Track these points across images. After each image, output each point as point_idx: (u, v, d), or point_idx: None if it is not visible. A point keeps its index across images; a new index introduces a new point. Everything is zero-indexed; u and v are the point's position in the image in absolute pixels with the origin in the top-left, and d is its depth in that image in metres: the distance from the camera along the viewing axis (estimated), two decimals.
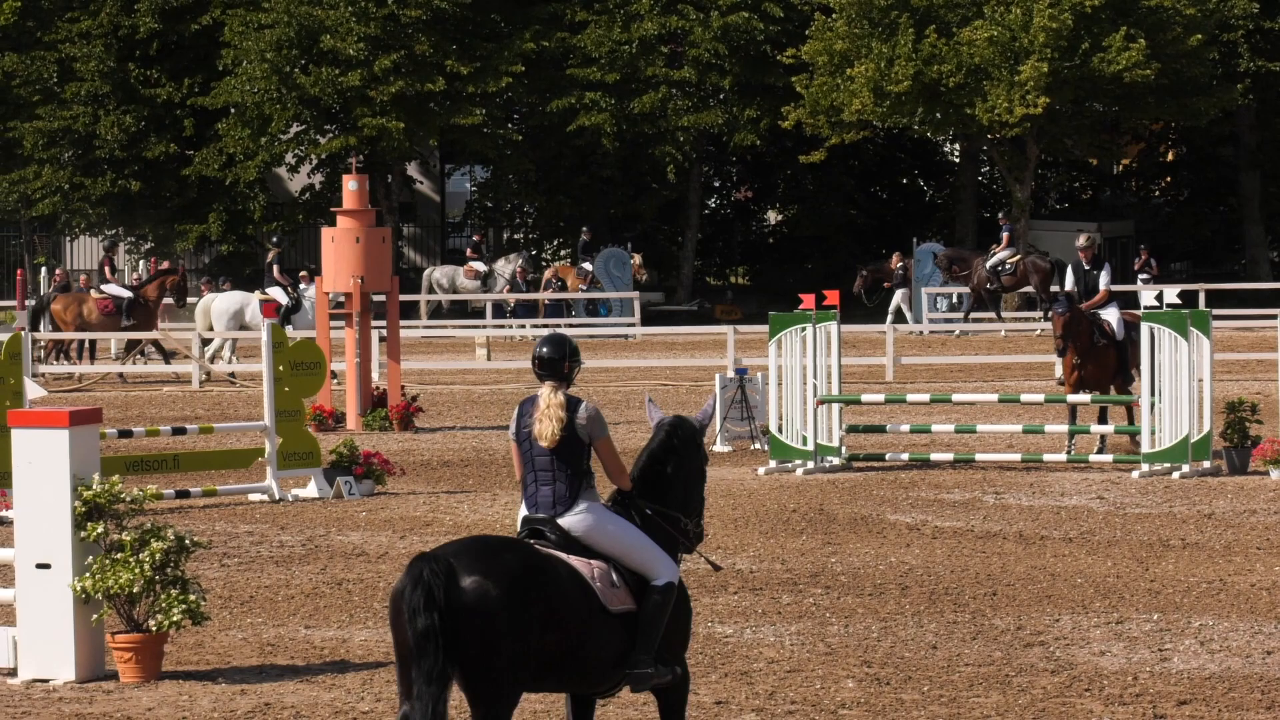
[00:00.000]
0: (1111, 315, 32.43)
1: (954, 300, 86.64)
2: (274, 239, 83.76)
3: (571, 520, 16.44)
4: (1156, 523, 32.70)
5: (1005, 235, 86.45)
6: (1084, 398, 38.99)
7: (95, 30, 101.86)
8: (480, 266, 71.20)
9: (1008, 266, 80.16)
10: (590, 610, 16.13)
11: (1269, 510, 33.65)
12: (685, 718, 16.99)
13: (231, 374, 63.07)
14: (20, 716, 20.03)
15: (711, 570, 20.66)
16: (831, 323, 38.84)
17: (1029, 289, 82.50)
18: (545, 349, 16.81)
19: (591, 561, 16.30)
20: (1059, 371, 42.71)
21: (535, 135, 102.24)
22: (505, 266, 73.08)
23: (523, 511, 16.63)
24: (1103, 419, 36.53)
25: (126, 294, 71.22)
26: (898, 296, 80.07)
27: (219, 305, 66.82)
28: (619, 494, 16.77)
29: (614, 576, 16.39)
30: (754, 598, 24.97)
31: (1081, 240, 36.86)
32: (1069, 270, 34.96)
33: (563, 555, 16.34)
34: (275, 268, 71.07)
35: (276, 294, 72.54)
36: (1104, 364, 31.31)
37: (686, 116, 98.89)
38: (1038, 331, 72.65)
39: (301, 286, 71.53)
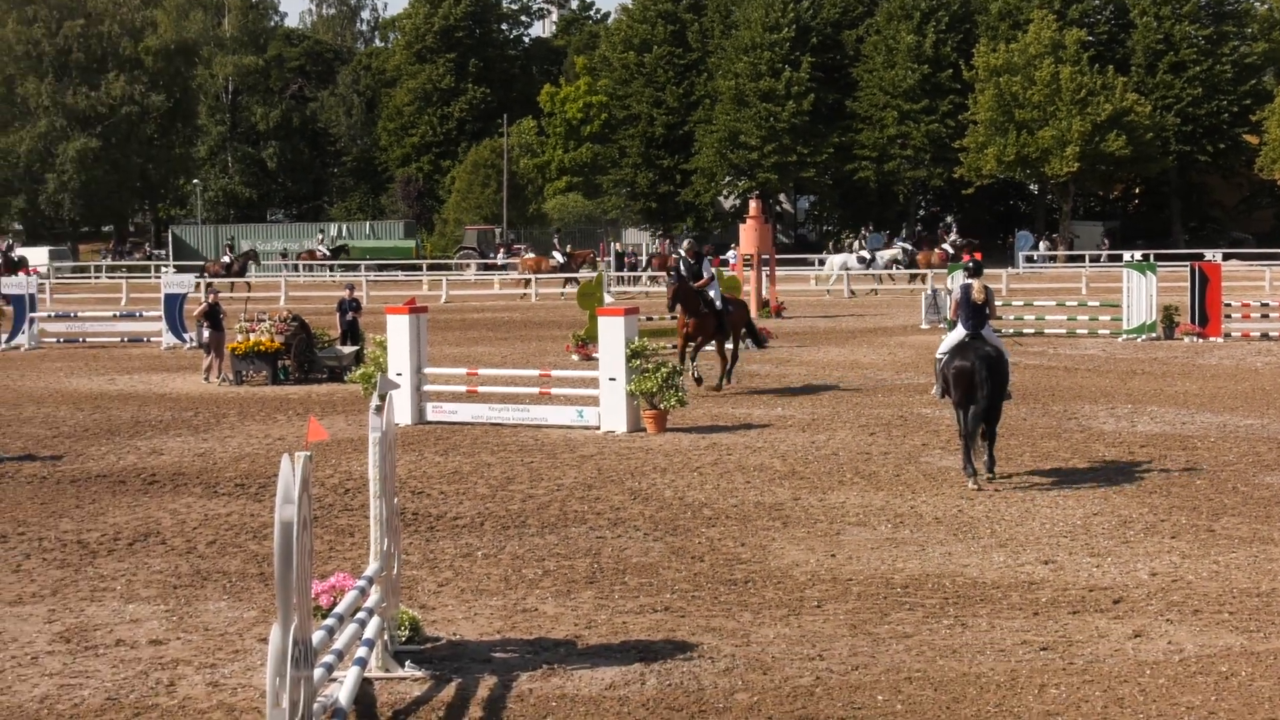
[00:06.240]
0: (712, 293, 28.64)
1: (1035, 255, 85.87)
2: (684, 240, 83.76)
3: (985, 332, 18.11)
4: (1129, 362, 32.62)
5: (950, 241, 77.03)
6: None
7: (633, 134, 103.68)
8: (866, 254, 68.79)
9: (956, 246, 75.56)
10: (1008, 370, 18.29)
11: (1183, 358, 33.56)
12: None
13: (852, 290, 62.96)
14: (602, 448, 21.10)
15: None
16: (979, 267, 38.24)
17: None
18: (972, 264, 18.69)
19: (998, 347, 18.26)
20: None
21: (838, 182, 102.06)
22: (885, 253, 70.31)
23: (960, 330, 18.09)
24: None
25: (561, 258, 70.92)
26: (852, 260, 73.92)
27: (834, 258, 66.37)
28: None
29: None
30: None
31: (686, 245, 33.44)
32: (680, 263, 31.70)
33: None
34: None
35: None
36: (706, 325, 27.47)
37: (909, 171, 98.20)
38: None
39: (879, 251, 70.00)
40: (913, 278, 64.74)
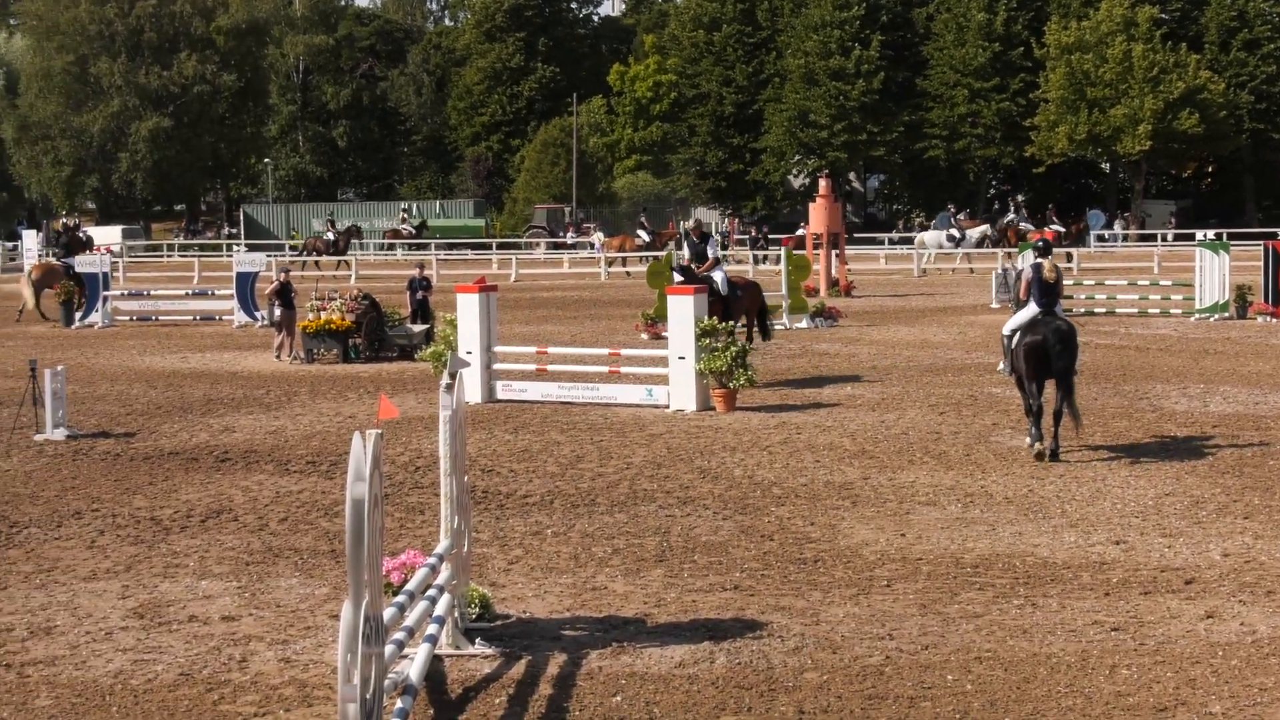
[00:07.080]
0: (718, 276, 27.47)
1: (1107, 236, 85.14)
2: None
3: (1057, 309, 18.38)
4: (1202, 342, 32.18)
5: (1013, 212, 74.09)
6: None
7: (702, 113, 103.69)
8: (956, 233, 67.30)
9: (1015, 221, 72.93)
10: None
11: (1257, 337, 33.28)
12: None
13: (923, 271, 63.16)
14: (671, 427, 21.46)
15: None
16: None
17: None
18: (1042, 244, 18.94)
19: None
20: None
21: (908, 160, 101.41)
22: (974, 231, 68.57)
23: (1033, 308, 18.24)
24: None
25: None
26: (941, 236, 70.97)
27: (928, 236, 66.18)
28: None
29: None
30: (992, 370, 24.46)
31: (690, 223, 32.15)
32: (684, 244, 30.80)
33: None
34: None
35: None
36: (713, 312, 26.50)
37: (979, 150, 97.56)
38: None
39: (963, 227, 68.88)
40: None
